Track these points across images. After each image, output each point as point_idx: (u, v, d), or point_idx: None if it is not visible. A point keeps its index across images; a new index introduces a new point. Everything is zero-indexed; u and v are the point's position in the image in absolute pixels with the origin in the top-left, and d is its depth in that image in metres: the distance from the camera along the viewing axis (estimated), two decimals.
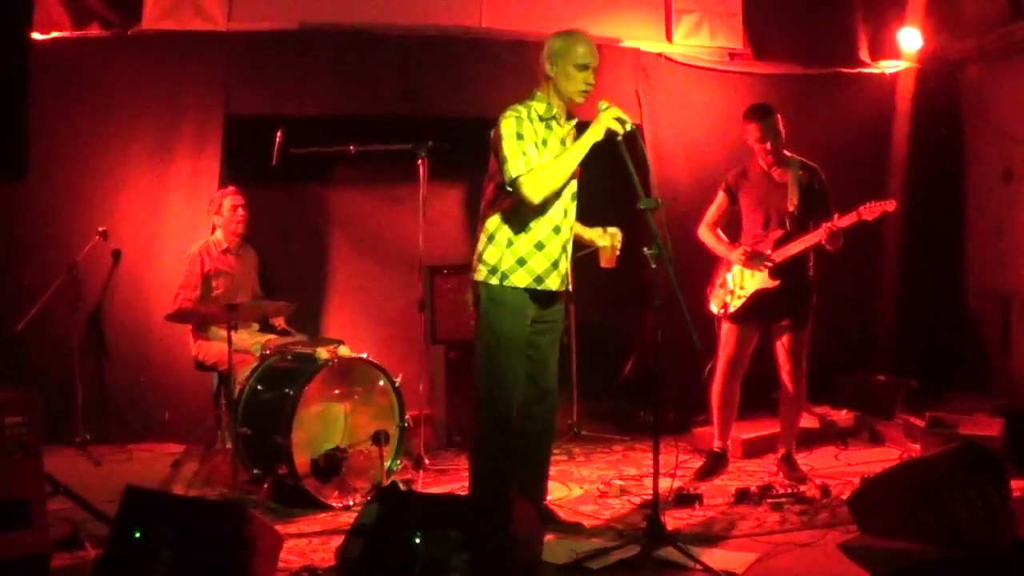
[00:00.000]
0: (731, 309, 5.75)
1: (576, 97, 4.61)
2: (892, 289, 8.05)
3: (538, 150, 4.51)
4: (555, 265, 4.63)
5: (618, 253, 4.82)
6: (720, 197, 5.93)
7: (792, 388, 5.75)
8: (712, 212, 5.96)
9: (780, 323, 5.72)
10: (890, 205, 5.51)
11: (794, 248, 5.62)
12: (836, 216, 5.49)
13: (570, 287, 4.78)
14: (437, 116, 7.15)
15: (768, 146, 5.65)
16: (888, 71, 8.03)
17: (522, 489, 4.72)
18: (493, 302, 4.59)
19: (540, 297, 4.65)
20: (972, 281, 8.13)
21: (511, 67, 7.18)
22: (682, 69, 7.65)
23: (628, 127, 4.47)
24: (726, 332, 5.82)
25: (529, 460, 4.83)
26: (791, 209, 5.66)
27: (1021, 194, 7.54)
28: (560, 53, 4.57)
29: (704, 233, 5.94)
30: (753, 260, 5.67)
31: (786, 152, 5.75)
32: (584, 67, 4.57)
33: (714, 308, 5.84)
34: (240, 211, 6.42)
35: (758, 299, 5.68)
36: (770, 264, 5.61)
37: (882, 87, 8.02)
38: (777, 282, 5.62)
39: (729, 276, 5.80)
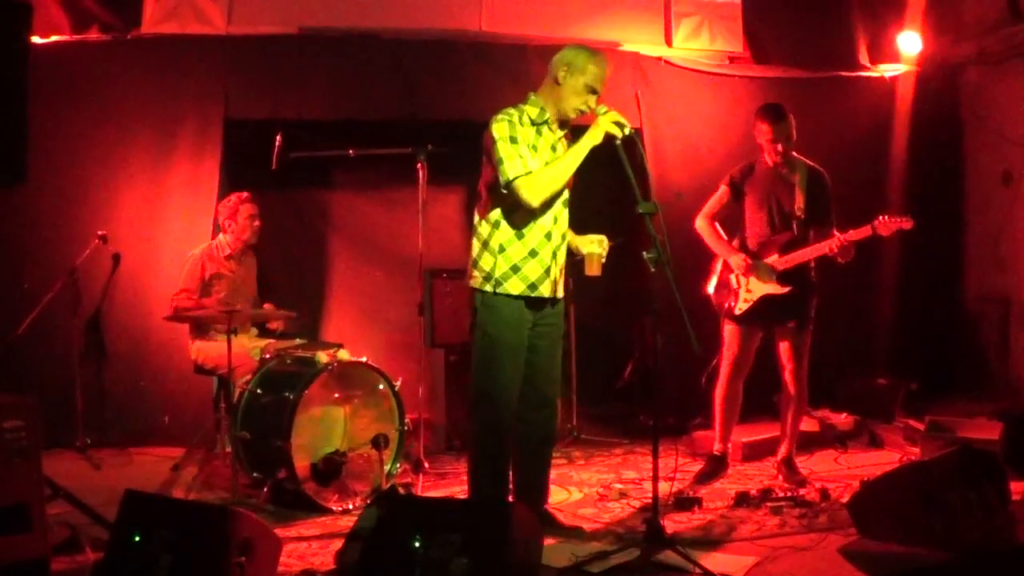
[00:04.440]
0: (736, 311, 5.74)
1: (571, 113, 4.63)
2: (892, 292, 8.04)
3: (531, 154, 4.52)
4: (547, 272, 4.63)
5: (603, 261, 4.81)
6: (722, 191, 5.87)
7: (795, 389, 5.75)
8: (712, 204, 5.90)
9: (784, 325, 5.72)
10: (906, 223, 5.46)
11: (802, 256, 5.61)
12: (851, 229, 5.48)
13: (559, 294, 4.75)
14: (436, 120, 7.16)
15: (779, 147, 5.62)
16: (887, 74, 8.04)
17: (521, 494, 4.72)
18: (488, 308, 4.60)
19: (535, 303, 4.65)
20: (972, 284, 8.13)
21: (511, 71, 7.19)
22: (682, 73, 7.65)
23: (627, 131, 4.47)
24: (730, 333, 5.81)
25: (528, 466, 4.82)
26: (797, 211, 5.66)
27: (1020, 197, 7.54)
28: (578, 66, 4.58)
29: (703, 226, 5.87)
30: (755, 271, 5.67)
31: (794, 153, 5.74)
32: (592, 90, 4.59)
33: (714, 302, 5.84)
34: (256, 221, 6.42)
35: (764, 302, 5.68)
36: (776, 277, 5.62)
37: (881, 90, 8.02)
38: (788, 288, 5.62)
39: (732, 276, 5.79)
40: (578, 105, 4.59)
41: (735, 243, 5.85)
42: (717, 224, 5.89)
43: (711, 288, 5.88)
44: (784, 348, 5.75)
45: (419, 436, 5.83)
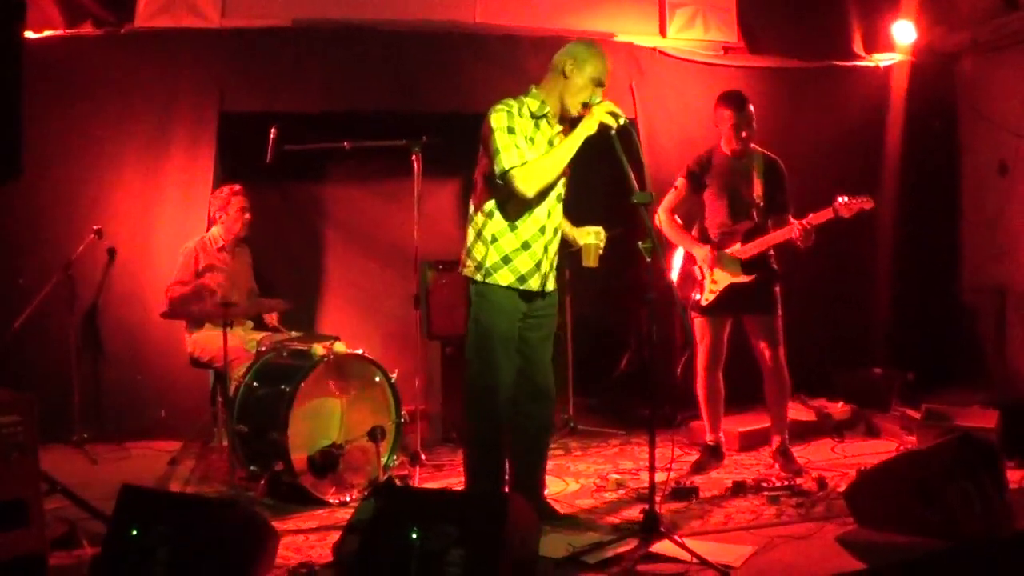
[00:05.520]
0: (704, 303, 5.75)
1: (573, 108, 4.60)
2: (888, 282, 8.05)
3: (528, 146, 4.51)
4: (538, 266, 4.63)
5: (601, 252, 4.80)
6: (681, 183, 5.87)
7: (775, 374, 5.75)
8: (671, 198, 5.90)
9: (751, 313, 5.74)
10: (867, 203, 5.47)
11: (765, 243, 5.63)
12: (811, 213, 5.49)
13: (549, 287, 4.75)
14: (431, 112, 7.15)
15: (743, 134, 5.65)
16: (882, 64, 8.04)
17: (519, 485, 4.72)
18: (481, 297, 4.61)
19: (524, 295, 4.66)
20: (967, 274, 8.14)
21: (504, 63, 7.19)
22: (676, 63, 7.65)
23: (622, 121, 4.48)
24: (700, 326, 5.81)
25: (525, 458, 4.82)
26: (756, 199, 5.67)
27: (1016, 187, 7.55)
28: (586, 59, 4.58)
29: (664, 220, 5.88)
30: (720, 262, 5.67)
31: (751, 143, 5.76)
32: (599, 83, 4.58)
33: (680, 295, 5.83)
34: (247, 214, 6.40)
35: (729, 291, 5.70)
36: (740, 266, 5.63)
37: (876, 80, 8.02)
38: (752, 276, 5.64)
39: (696, 268, 5.79)
40: (585, 98, 4.57)
41: (695, 232, 5.87)
42: (677, 216, 5.90)
43: (673, 278, 5.87)
44: (758, 336, 5.76)
45: (416, 428, 5.85)
